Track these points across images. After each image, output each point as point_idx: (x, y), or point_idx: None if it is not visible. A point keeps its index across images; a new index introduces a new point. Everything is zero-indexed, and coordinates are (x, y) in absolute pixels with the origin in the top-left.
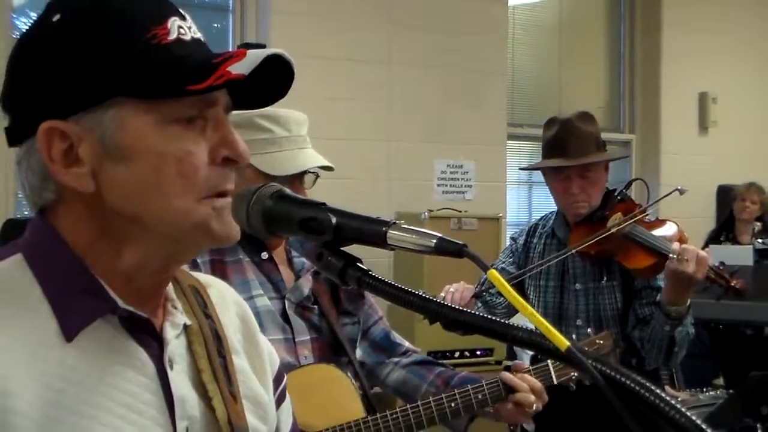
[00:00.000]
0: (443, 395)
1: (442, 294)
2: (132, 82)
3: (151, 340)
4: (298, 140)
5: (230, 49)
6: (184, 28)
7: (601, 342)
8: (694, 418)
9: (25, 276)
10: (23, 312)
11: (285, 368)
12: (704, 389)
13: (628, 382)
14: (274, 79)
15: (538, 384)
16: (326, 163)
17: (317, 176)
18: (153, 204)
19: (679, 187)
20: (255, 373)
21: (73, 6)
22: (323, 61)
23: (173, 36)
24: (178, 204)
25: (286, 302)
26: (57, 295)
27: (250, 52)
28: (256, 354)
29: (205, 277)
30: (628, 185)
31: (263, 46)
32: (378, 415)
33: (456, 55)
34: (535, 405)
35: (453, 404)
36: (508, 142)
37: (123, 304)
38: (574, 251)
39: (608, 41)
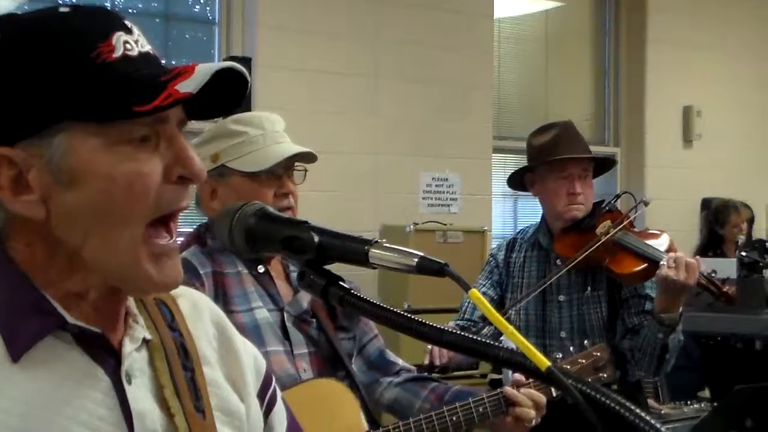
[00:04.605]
0: (445, 409)
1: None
2: (78, 105)
3: (107, 355)
4: (276, 135)
5: (215, 62)
6: (130, 42)
7: (597, 354)
8: None
9: None
10: None
11: (287, 380)
12: (689, 402)
13: (608, 401)
14: (227, 89)
15: (541, 398)
16: (307, 149)
17: (306, 171)
18: (96, 236)
19: (644, 198)
20: (230, 383)
21: (14, 24)
22: (309, 74)
23: (119, 53)
24: (122, 233)
25: (285, 315)
26: (2, 316)
27: (200, 67)
28: (234, 362)
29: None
30: (617, 198)
31: (248, 60)
32: (381, 429)
33: (442, 69)
34: (534, 420)
35: (455, 417)
36: (493, 155)
37: (72, 320)
38: (573, 263)
39: (593, 55)
